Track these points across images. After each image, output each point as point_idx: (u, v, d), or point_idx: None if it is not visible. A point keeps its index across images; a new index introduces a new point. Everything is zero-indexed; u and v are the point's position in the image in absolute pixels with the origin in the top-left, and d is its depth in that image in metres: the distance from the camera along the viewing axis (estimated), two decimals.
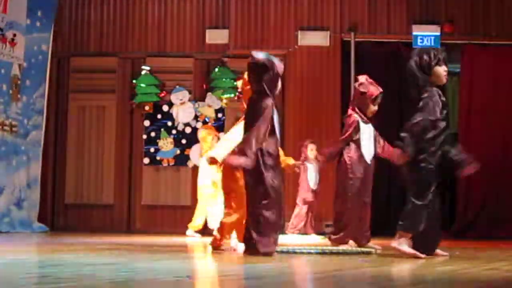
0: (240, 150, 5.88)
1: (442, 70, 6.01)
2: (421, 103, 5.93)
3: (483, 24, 12.04)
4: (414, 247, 5.90)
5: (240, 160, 5.83)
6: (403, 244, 5.87)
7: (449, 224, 11.76)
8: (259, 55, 6.14)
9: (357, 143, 7.26)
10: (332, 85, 11.96)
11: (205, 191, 10.36)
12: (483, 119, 11.97)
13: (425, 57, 5.98)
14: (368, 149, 7.29)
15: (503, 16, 12.06)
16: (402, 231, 5.91)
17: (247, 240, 5.93)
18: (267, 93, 5.97)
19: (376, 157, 7.39)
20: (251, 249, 5.86)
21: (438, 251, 6.13)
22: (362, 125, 7.29)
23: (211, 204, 10.31)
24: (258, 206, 5.88)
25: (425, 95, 5.94)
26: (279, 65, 6.08)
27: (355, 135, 7.28)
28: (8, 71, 10.78)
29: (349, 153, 7.26)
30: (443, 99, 6.02)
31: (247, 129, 5.99)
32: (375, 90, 7.32)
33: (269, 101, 5.94)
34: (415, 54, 6.07)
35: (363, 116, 7.31)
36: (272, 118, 5.94)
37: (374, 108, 7.32)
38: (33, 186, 11.39)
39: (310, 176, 11.02)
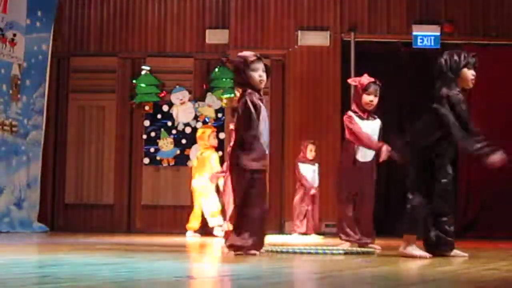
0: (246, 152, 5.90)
1: (470, 74, 6.04)
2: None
3: (483, 24, 12.05)
4: (434, 245, 5.92)
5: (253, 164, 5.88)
6: (408, 248, 5.85)
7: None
8: (232, 58, 6.19)
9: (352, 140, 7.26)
10: (332, 85, 11.97)
11: (199, 190, 10.45)
12: (483, 119, 11.95)
13: (455, 57, 6.01)
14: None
15: (503, 16, 12.06)
16: (405, 234, 5.90)
17: (234, 240, 5.94)
18: (247, 91, 5.97)
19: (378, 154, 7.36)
20: (238, 249, 5.85)
21: (456, 251, 6.11)
22: (358, 120, 7.27)
23: (207, 202, 10.36)
24: (242, 205, 5.89)
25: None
26: (249, 56, 6.01)
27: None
28: (8, 71, 10.78)
29: (347, 151, 7.28)
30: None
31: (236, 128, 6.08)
32: (365, 80, 7.35)
33: (248, 99, 5.90)
34: (446, 53, 6.11)
35: (360, 112, 7.30)
36: (252, 113, 5.89)
37: (368, 98, 7.28)
38: (33, 186, 11.39)
39: (308, 176, 11.03)
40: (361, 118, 7.27)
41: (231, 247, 5.91)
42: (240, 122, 5.95)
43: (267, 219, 6.13)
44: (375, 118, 7.36)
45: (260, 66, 6.02)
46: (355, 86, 7.40)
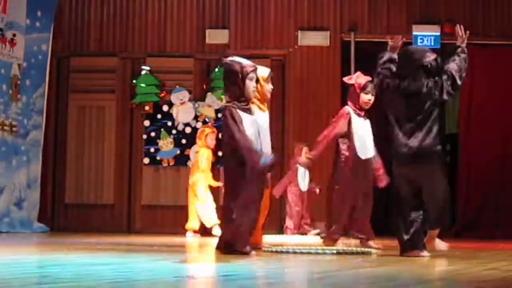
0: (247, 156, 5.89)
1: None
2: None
3: (483, 24, 12.04)
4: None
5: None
6: (434, 241, 5.92)
7: (449, 224, 11.76)
8: (227, 60, 6.16)
9: (350, 137, 7.25)
10: (332, 85, 11.96)
11: (192, 188, 10.47)
12: (483, 119, 11.97)
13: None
14: (364, 144, 7.25)
15: (503, 16, 12.06)
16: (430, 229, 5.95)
17: (221, 238, 6.00)
18: (227, 106, 5.97)
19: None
20: (225, 248, 5.90)
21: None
22: (355, 117, 7.27)
23: (201, 203, 10.37)
24: (229, 204, 5.93)
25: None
26: (248, 65, 6.02)
27: (344, 127, 7.25)
28: (8, 71, 10.78)
29: (343, 147, 7.27)
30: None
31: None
32: (362, 79, 7.37)
33: (231, 109, 5.89)
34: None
35: (357, 109, 7.32)
36: (233, 126, 5.88)
37: (366, 97, 7.30)
38: (33, 186, 11.38)
39: (301, 178, 11.10)
40: (359, 115, 7.31)
41: (220, 245, 5.95)
42: (227, 135, 5.95)
43: (256, 219, 6.16)
44: (367, 118, 7.40)
45: (255, 76, 6.07)
46: (352, 85, 7.42)
